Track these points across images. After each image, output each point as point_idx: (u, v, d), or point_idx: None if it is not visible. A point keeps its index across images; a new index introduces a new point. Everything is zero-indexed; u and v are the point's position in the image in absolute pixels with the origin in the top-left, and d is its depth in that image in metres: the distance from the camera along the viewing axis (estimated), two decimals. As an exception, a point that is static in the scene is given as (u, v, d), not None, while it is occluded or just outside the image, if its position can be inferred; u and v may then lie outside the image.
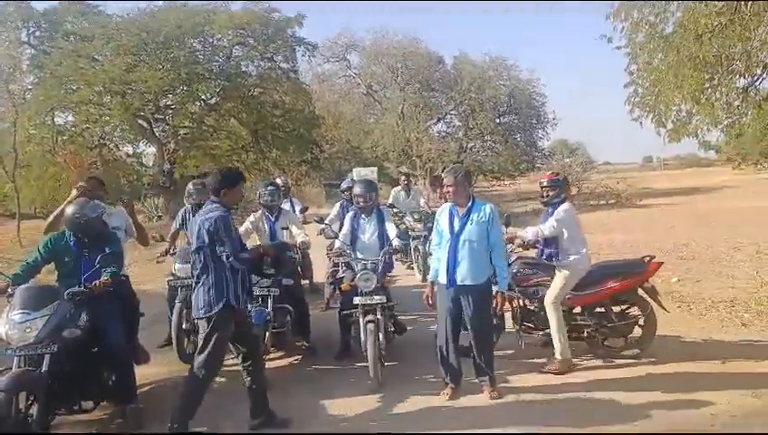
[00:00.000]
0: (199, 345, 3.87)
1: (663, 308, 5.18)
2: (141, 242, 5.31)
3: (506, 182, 36.40)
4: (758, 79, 12.16)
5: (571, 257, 4.92)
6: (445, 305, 4.44)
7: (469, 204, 4.43)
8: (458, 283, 4.35)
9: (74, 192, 4.75)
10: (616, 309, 5.26)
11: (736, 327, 6.16)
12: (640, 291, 5.16)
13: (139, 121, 22.23)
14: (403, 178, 10.72)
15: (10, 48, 20.15)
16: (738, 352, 5.23)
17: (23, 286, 3.83)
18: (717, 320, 6.50)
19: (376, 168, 29.07)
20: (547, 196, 5.11)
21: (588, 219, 5.86)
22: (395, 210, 9.45)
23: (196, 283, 3.89)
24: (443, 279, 4.42)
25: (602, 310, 5.18)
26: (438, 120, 36.51)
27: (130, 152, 25.30)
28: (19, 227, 17.70)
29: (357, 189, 5.63)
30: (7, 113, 19.74)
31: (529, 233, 5.01)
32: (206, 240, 3.76)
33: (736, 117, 12.90)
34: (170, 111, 22.98)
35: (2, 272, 3.99)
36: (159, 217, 21.88)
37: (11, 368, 3.51)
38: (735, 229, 13.19)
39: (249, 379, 4.01)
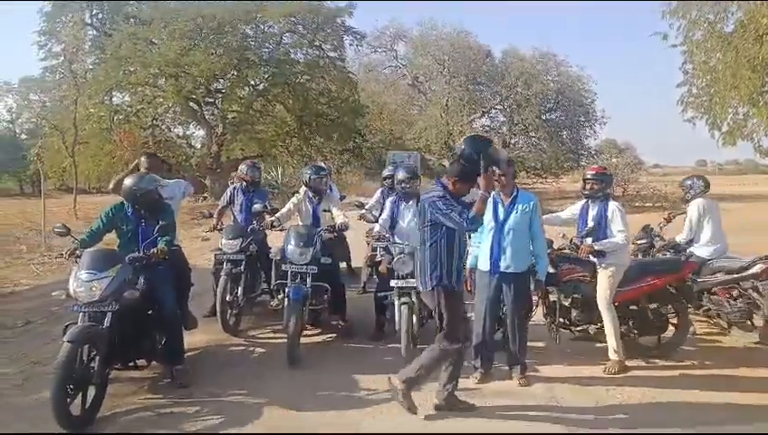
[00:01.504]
0: (438, 323, 3.89)
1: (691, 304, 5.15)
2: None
3: (549, 180, 35.78)
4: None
5: (616, 254, 4.85)
6: (485, 292, 4.51)
7: (514, 193, 4.52)
8: (502, 270, 4.44)
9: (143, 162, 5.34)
10: (650, 307, 5.22)
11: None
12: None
13: (191, 104, 23.00)
14: None
15: (74, 29, 21.09)
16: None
17: (89, 249, 4.16)
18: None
19: (418, 154, 28.53)
20: (591, 189, 5.03)
21: (631, 220, 5.84)
22: None
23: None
24: (485, 266, 4.49)
25: (637, 307, 5.14)
26: (483, 114, 36.18)
27: (181, 134, 26.19)
28: (75, 201, 18.61)
29: (400, 175, 5.76)
30: (70, 91, 20.71)
31: (606, 244, 4.82)
32: (430, 217, 3.83)
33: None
34: (220, 95, 23.65)
35: (74, 236, 4.32)
36: (205, 197, 22.61)
37: (76, 322, 3.82)
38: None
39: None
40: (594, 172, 5.11)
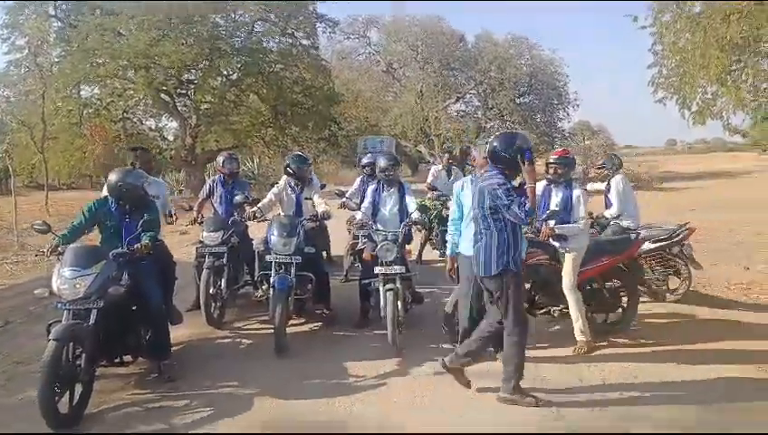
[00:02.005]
0: (501, 308, 3.89)
1: (696, 265, 5.49)
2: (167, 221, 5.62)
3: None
4: (786, 61, 11.99)
5: (578, 238, 4.89)
6: (470, 277, 4.49)
7: None
8: None
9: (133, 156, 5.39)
10: (605, 286, 5.31)
11: (750, 309, 6.24)
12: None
13: (162, 96, 22.58)
14: (447, 156, 9.45)
15: (38, 21, 20.46)
16: (748, 331, 5.35)
17: (72, 246, 4.09)
18: (731, 301, 6.59)
19: (392, 139, 28.63)
20: (555, 173, 5.04)
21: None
22: (436, 193, 8.59)
23: (476, 244, 3.97)
24: (468, 250, 4.46)
25: (593, 286, 5.20)
26: (457, 99, 36.34)
27: (153, 126, 25.72)
28: (47, 197, 18.18)
29: (382, 162, 5.78)
30: (36, 86, 20.15)
31: (568, 229, 4.86)
32: (489, 204, 3.85)
33: (763, 100, 12.76)
34: (192, 86, 23.26)
35: (54, 232, 4.24)
36: (181, 190, 22.31)
37: (60, 320, 3.78)
38: (757, 215, 13.08)
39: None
40: (557, 156, 5.11)
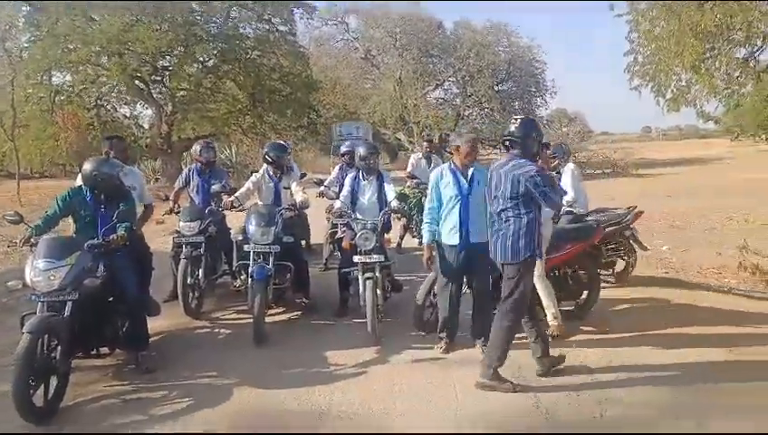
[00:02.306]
0: (506, 290, 3.96)
1: (643, 247, 5.33)
2: (145, 214, 5.48)
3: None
4: (758, 50, 12.23)
5: (544, 225, 4.72)
6: (450, 266, 4.55)
7: (471, 167, 4.59)
8: (471, 242, 4.51)
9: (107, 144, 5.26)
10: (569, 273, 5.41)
11: (722, 293, 6.41)
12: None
13: (137, 83, 22.07)
14: (426, 144, 9.45)
15: (5, 4, 19.81)
16: (720, 315, 5.47)
17: (46, 237, 4.00)
18: (704, 285, 6.75)
19: (369, 125, 28.43)
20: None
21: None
22: (416, 181, 8.45)
23: (497, 230, 3.96)
24: (453, 240, 4.53)
25: (558, 273, 5.28)
26: (436, 86, 36.28)
27: (128, 114, 25.17)
28: (19, 186, 17.75)
29: (362, 151, 5.75)
30: (5, 72, 19.55)
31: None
32: (522, 191, 3.86)
33: (735, 87, 13.01)
34: (168, 73, 22.77)
35: (27, 223, 4.14)
36: (157, 179, 21.95)
37: (34, 312, 3.71)
38: (729, 200, 13.39)
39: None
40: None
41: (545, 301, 4.91)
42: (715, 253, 8.22)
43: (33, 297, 3.76)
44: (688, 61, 11.35)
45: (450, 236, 4.55)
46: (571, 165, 6.49)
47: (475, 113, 35.97)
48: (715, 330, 5.04)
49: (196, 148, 6.53)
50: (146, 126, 25.70)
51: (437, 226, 4.62)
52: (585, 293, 5.39)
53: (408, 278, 6.55)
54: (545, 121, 35.71)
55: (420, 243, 7.83)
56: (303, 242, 7.88)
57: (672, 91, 13.31)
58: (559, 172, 5.11)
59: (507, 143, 4.05)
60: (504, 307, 3.98)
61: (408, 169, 9.10)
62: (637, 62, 13.70)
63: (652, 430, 3.38)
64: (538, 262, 4.77)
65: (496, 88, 34.35)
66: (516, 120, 4.07)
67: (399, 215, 7.17)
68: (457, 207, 4.52)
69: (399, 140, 37.51)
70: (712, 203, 13.23)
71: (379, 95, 34.55)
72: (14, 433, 2.79)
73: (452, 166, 4.63)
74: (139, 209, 5.20)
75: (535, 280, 4.78)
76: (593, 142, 33.05)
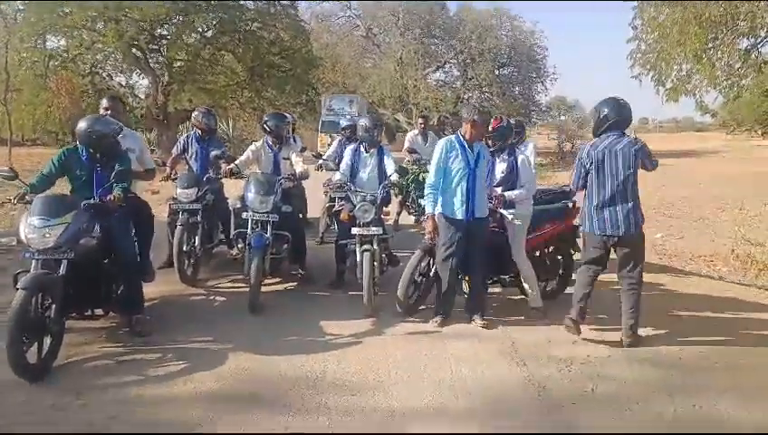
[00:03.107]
0: (629, 261, 4.25)
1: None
2: (146, 177, 5.36)
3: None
4: (761, 41, 12.19)
5: (525, 204, 4.88)
6: (452, 240, 4.52)
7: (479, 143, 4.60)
8: (476, 216, 4.52)
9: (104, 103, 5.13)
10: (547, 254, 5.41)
11: (713, 280, 6.46)
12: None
13: (134, 51, 21.74)
14: (420, 121, 9.49)
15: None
16: (712, 301, 5.50)
17: (41, 195, 3.95)
18: (696, 272, 6.80)
19: (362, 99, 27.13)
20: (493, 145, 4.93)
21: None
22: (415, 156, 8.36)
23: (615, 205, 4.18)
24: (459, 214, 4.51)
25: (537, 254, 5.24)
26: (437, 68, 36.06)
27: (123, 83, 24.85)
28: (11, 152, 17.55)
29: (367, 123, 5.66)
30: (-1, 33, 19.21)
31: (518, 194, 4.82)
32: (637, 164, 4.26)
33: (736, 79, 12.99)
34: (165, 42, 22.45)
35: (22, 180, 4.08)
36: (153, 150, 21.76)
37: (28, 271, 3.67)
38: (723, 191, 13.47)
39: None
40: (493, 129, 4.90)
41: (528, 281, 4.91)
42: (707, 241, 8.28)
43: (28, 254, 3.71)
44: (691, 50, 11.31)
45: (456, 210, 4.53)
46: (532, 145, 6.48)
47: (474, 97, 35.75)
48: (707, 315, 5.10)
49: (197, 114, 6.44)
50: (141, 96, 25.40)
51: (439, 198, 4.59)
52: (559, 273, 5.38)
53: (404, 255, 6.54)
54: (544, 108, 35.73)
55: (417, 220, 7.84)
56: (300, 215, 7.85)
57: (672, 80, 13.27)
58: (514, 150, 5.05)
59: (606, 125, 4.34)
60: (635, 277, 4.24)
61: (406, 145, 9.01)
62: (639, 50, 13.63)
63: (646, 404, 3.41)
64: (520, 241, 4.86)
65: (497, 72, 34.18)
66: (616, 102, 4.37)
67: (397, 191, 7.16)
68: (464, 180, 4.49)
69: (398, 120, 37.34)
70: (706, 193, 13.30)
71: (379, 75, 34.27)
72: (14, 433, 2.76)
73: (460, 139, 4.58)
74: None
75: (518, 260, 4.88)
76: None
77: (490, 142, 4.93)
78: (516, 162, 4.91)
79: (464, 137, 4.58)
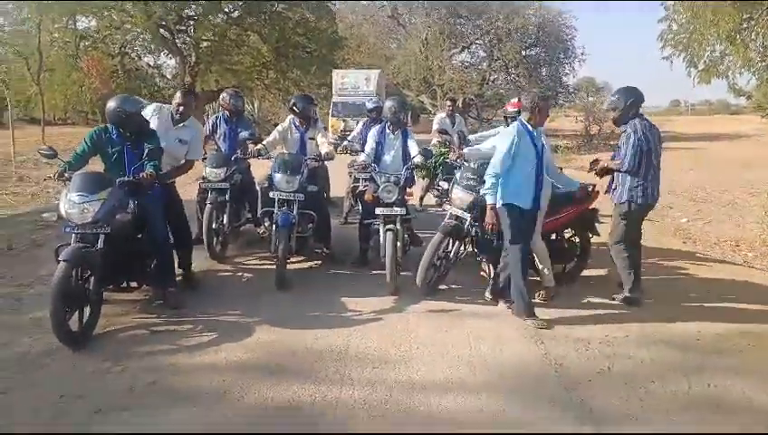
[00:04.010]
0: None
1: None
2: (178, 172, 5.17)
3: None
4: (798, 22, 11.77)
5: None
6: (525, 230, 4.44)
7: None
8: (540, 206, 4.52)
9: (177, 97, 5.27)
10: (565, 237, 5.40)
11: (736, 265, 6.40)
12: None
13: (162, 31, 22.02)
14: (449, 103, 9.45)
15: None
16: (735, 287, 5.47)
17: (80, 172, 4.14)
18: (719, 258, 6.74)
19: (382, 74, 23.25)
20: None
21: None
22: (446, 137, 8.04)
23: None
24: (528, 203, 4.39)
25: (555, 237, 5.25)
26: (463, 49, 35.60)
27: (152, 63, 25.22)
28: (44, 131, 18.04)
29: (394, 104, 5.66)
30: (32, 15, 19.61)
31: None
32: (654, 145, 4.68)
33: (771, 60, 12.61)
34: (192, 23, 22.68)
35: (61, 159, 4.28)
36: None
37: (69, 244, 3.88)
38: (755, 175, 13.18)
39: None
40: (515, 108, 4.86)
41: (543, 261, 4.90)
42: (734, 226, 8.18)
43: (68, 229, 3.91)
44: (724, 30, 10.98)
45: (526, 199, 4.39)
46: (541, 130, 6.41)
47: (500, 78, 35.33)
48: (727, 299, 5.07)
49: (225, 96, 6.59)
50: (169, 76, 25.77)
51: (504, 188, 4.41)
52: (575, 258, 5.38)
53: (427, 235, 6.63)
54: (571, 89, 35.10)
55: (441, 203, 7.87)
56: (324, 194, 7.98)
57: (705, 62, 12.94)
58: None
59: (634, 110, 4.73)
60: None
61: (435, 127, 8.87)
62: (670, 30, 13.30)
63: (662, 383, 3.48)
64: (540, 223, 4.81)
65: (524, 53, 33.59)
66: (628, 91, 4.77)
67: (424, 174, 7.19)
68: (534, 169, 4.38)
69: (422, 102, 37.12)
70: (736, 178, 13.04)
71: (403, 56, 34.02)
72: (14, 433, 2.93)
73: (527, 126, 4.42)
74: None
75: (534, 240, 4.79)
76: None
77: (510, 123, 4.92)
78: None
79: (529, 125, 4.43)
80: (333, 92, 21.43)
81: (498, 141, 4.50)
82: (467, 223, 4.88)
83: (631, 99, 4.70)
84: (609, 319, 4.52)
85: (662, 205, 10.41)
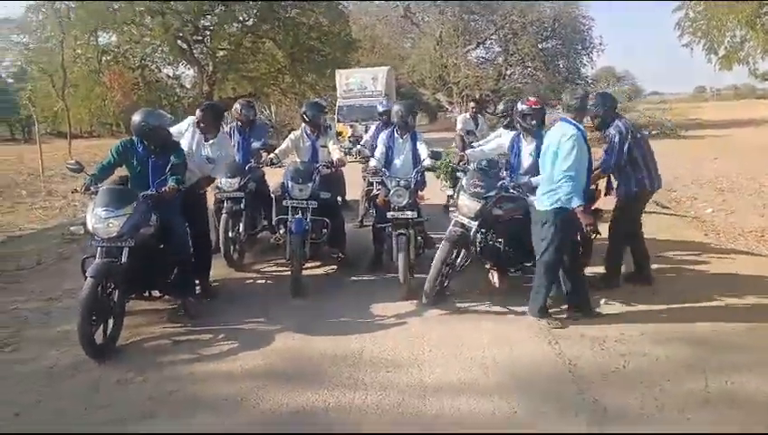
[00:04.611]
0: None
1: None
2: (204, 184, 5.37)
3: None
4: (820, 4, 11.45)
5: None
6: (575, 229, 4.39)
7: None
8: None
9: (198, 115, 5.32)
10: None
11: (760, 257, 6.27)
12: None
13: (179, 43, 22.44)
14: (472, 105, 9.43)
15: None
16: (750, 280, 5.33)
17: (105, 187, 4.29)
18: (742, 249, 6.61)
19: (390, 72, 20.86)
20: (529, 125, 4.83)
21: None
22: (471, 139, 8.04)
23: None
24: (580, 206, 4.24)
25: None
26: (477, 44, 35.34)
27: (171, 74, 25.69)
28: (70, 145, 18.52)
29: (401, 109, 5.70)
30: (55, 32, 20.15)
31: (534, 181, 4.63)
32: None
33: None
34: (209, 33, 23.05)
35: (87, 173, 4.42)
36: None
37: (94, 256, 4.03)
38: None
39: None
40: (530, 106, 4.81)
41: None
42: (759, 216, 8.01)
43: (94, 243, 4.06)
44: (743, 15, 10.73)
45: (579, 202, 4.24)
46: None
47: (517, 72, 34.98)
48: (746, 294, 4.96)
49: (237, 107, 6.72)
50: (188, 86, 26.21)
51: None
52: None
53: (440, 236, 6.66)
54: (591, 80, 34.58)
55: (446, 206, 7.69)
56: (339, 199, 8.05)
57: (725, 48, 12.66)
58: (541, 133, 4.85)
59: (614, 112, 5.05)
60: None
61: (459, 127, 8.74)
62: (687, 18, 13.04)
63: (678, 381, 3.46)
64: None
65: (540, 46, 33.21)
66: (605, 96, 5.20)
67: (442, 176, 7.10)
68: (586, 170, 4.32)
69: (438, 100, 36.99)
70: (760, 166, 12.74)
71: (418, 54, 33.96)
72: (14, 433, 3.03)
73: (577, 125, 4.30)
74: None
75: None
76: (642, 102, 31.84)
77: (526, 121, 4.81)
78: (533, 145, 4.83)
79: (581, 126, 4.33)
80: (338, 95, 19.85)
81: (565, 144, 4.19)
82: (473, 230, 4.73)
83: (609, 104, 5.07)
84: (624, 317, 4.50)
85: (687, 196, 10.32)
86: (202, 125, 5.24)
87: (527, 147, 4.94)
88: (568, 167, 4.16)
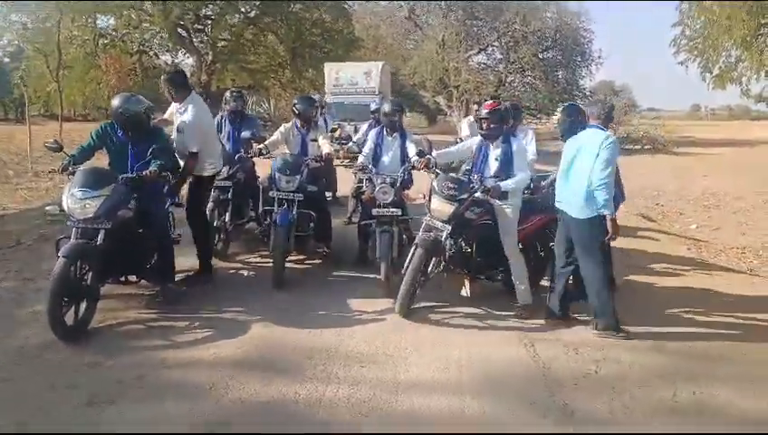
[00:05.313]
0: None
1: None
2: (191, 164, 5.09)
3: (543, 120, 35.64)
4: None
5: (516, 194, 4.67)
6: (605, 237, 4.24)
7: None
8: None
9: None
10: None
11: (738, 274, 6.31)
12: None
13: (179, 31, 22.31)
14: (477, 108, 9.33)
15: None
16: (728, 294, 5.39)
17: (83, 168, 4.23)
18: (723, 265, 6.65)
19: (385, 67, 19.23)
20: (488, 128, 4.65)
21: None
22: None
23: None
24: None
25: (524, 246, 4.86)
26: (479, 50, 35.40)
27: (169, 62, 25.52)
28: (61, 127, 18.35)
29: (387, 107, 5.75)
30: (52, 12, 19.98)
31: (514, 183, 4.57)
32: None
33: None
34: (210, 22, 22.95)
35: (66, 152, 4.38)
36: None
37: (69, 238, 3.97)
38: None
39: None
40: (488, 109, 4.65)
41: (519, 275, 4.69)
42: (742, 234, 8.08)
43: (69, 223, 4.00)
44: (738, 36, 10.82)
45: (612, 210, 4.18)
46: (532, 131, 6.51)
47: (516, 80, 35.09)
48: (722, 307, 5.01)
49: (227, 96, 6.69)
50: (186, 74, 26.06)
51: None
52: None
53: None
54: (588, 92, 34.74)
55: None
56: (330, 194, 8.03)
57: (719, 67, 12.77)
58: (509, 136, 4.79)
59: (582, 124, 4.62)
60: None
61: (465, 132, 8.08)
62: (684, 36, 13.13)
63: (648, 388, 3.47)
64: (513, 233, 4.64)
65: (540, 56, 33.33)
66: (574, 107, 5.04)
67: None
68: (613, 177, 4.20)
69: (438, 103, 37.01)
70: (751, 185, 12.86)
71: (420, 57, 33.97)
72: (14, 433, 2.97)
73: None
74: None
75: (511, 252, 4.64)
76: (638, 117, 32.07)
77: (484, 126, 4.66)
78: (512, 149, 4.66)
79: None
80: (325, 90, 17.99)
81: (606, 153, 4.12)
82: (444, 235, 4.52)
83: (576, 115, 4.92)
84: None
85: (673, 211, 10.39)
86: (167, 91, 5.14)
87: (494, 151, 4.71)
88: (607, 174, 4.08)
